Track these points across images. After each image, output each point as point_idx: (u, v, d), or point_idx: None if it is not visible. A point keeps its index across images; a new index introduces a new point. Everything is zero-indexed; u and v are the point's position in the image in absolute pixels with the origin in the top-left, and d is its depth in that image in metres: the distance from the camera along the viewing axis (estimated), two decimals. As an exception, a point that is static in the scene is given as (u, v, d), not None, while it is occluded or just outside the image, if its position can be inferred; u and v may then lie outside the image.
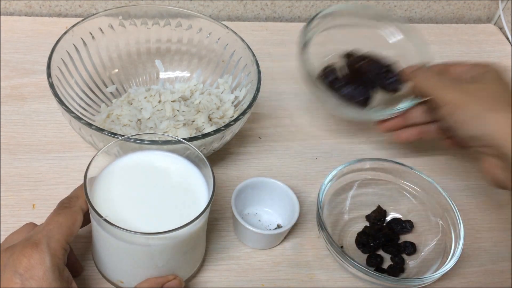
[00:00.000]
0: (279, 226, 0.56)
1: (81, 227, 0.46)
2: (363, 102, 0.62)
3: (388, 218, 0.59)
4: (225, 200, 0.59)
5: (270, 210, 0.58)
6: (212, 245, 0.55)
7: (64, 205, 0.45)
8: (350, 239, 0.58)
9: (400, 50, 0.66)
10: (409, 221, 0.59)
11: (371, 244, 0.56)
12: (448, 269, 0.52)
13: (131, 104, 0.63)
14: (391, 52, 0.66)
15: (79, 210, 0.45)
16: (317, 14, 0.63)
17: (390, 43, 0.67)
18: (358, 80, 0.63)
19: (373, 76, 0.63)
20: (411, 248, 0.57)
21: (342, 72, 0.64)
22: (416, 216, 0.59)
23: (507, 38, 0.89)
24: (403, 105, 0.60)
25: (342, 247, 0.57)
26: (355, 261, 0.51)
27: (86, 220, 0.46)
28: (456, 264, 0.52)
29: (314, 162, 0.65)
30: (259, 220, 0.57)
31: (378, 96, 0.64)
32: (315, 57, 0.63)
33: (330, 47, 0.66)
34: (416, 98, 0.59)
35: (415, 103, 0.59)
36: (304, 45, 0.63)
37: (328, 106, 0.66)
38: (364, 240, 0.57)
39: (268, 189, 0.57)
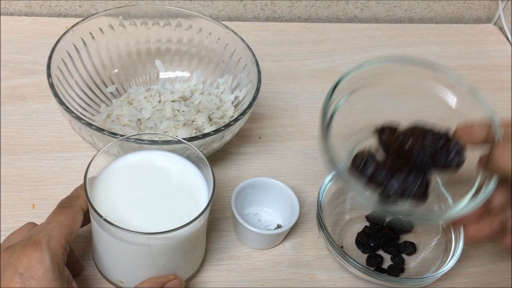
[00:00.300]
0: (279, 226, 0.56)
1: (81, 226, 0.46)
2: (422, 193, 0.46)
3: (388, 218, 0.59)
4: (225, 200, 0.59)
5: (270, 210, 0.58)
6: (212, 245, 0.55)
7: (65, 204, 0.45)
8: (350, 239, 0.58)
9: (449, 112, 0.49)
10: (409, 221, 0.59)
11: (371, 244, 0.56)
12: (448, 269, 0.52)
13: (131, 104, 0.63)
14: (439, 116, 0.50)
15: (79, 209, 0.45)
16: (339, 80, 0.47)
17: (439, 104, 0.50)
18: (407, 163, 0.46)
19: (428, 155, 0.46)
20: (411, 248, 0.57)
21: (380, 157, 0.47)
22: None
23: (507, 38, 0.89)
24: (484, 193, 0.43)
25: (342, 247, 0.57)
26: (355, 261, 0.51)
27: (86, 220, 0.46)
28: (456, 264, 0.52)
29: (314, 162, 0.65)
30: (259, 220, 0.57)
31: (435, 180, 0.49)
32: (339, 138, 0.47)
33: (356, 120, 0.50)
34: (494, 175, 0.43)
35: (496, 182, 0.43)
36: (327, 127, 0.46)
37: (375, 208, 0.47)
38: (364, 240, 0.57)
39: (268, 189, 0.57)
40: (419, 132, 0.46)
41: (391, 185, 0.45)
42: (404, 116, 0.49)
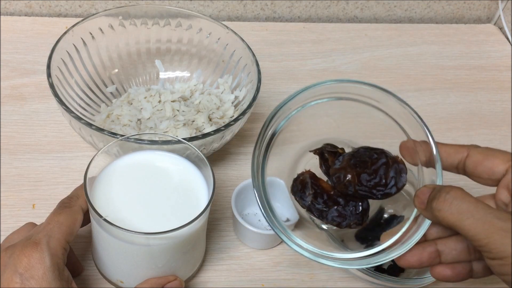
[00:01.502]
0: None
1: (81, 226, 0.46)
2: (360, 221, 0.48)
3: (386, 215, 0.59)
4: (225, 200, 0.59)
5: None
6: (212, 245, 0.55)
7: (64, 204, 0.45)
8: (350, 239, 0.58)
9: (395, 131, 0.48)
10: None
11: (369, 238, 0.56)
12: (448, 269, 0.52)
13: (131, 104, 0.63)
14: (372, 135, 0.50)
15: (79, 209, 0.45)
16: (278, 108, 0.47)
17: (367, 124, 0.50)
18: (345, 195, 0.48)
19: (366, 189, 0.46)
20: (411, 248, 0.57)
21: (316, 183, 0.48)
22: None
23: (507, 38, 0.89)
24: (416, 235, 0.43)
25: (343, 240, 0.56)
26: (355, 261, 0.51)
27: (86, 220, 0.46)
28: (456, 264, 0.52)
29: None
30: (259, 220, 0.57)
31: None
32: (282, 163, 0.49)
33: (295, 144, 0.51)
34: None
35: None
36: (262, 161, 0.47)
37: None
38: (362, 235, 0.56)
39: (269, 188, 0.56)
40: (357, 165, 0.46)
41: (329, 215, 0.47)
42: (350, 134, 0.50)
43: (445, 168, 0.44)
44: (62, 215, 0.44)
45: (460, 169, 0.44)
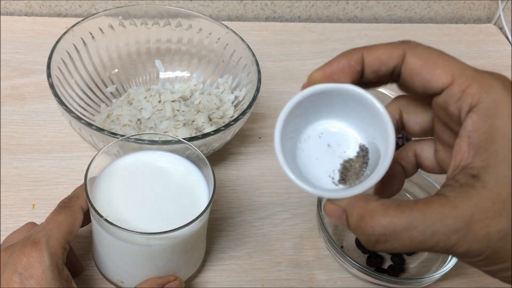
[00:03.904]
0: (362, 150, 0.34)
1: (81, 226, 0.46)
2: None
3: None
4: (225, 200, 0.59)
5: (352, 129, 0.35)
6: (212, 245, 0.55)
7: (65, 204, 0.45)
8: (350, 239, 0.58)
9: None
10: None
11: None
12: (448, 269, 0.52)
13: (131, 104, 0.63)
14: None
15: (79, 209, 0.45)
16: None
17: None
18: None
19: None
20: (411, 248, 0.57)
21: None
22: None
23: (507, 38, 0.89)
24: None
25: (342, 247, 0.57)
26: (355, 261, 0.51)
27: (87, 220, 0.46)
28: (456, 264, 0.52)
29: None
30: (328, 145, 0.35)
31: None
32: None
33: None
34: None
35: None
36: None
37: None
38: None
39: (346, 101, 0.34)
40: None
41: None
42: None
43: (379, 80, 0.33)
44: (62, 214, 0.44)
45: (397, 78, 0.33)
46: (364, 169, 0.33)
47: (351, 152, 0.34)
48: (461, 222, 0.28)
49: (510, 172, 0.28)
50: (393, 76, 0.33)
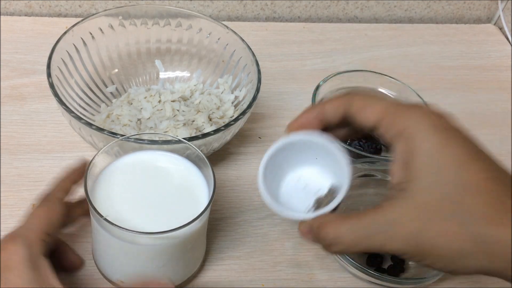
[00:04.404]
0: (331, 191, 0.43)
1: (65, 224, 0.46)
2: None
3: None
4: (225, 200, 0.59)
5: (324, 174, 0.44)
6: (212, 245, 0.55)
7: (43, 197, 0.46)
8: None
9: None
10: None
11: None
12: (448, 269, 0.52)
13: (131, 104, 0.63)
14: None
15: (56, 200, 0.45)
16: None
17: None
18: (368, 135, 0.53)
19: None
20: (411, 248, 0.57)
21: None
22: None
23: (507, 38, 0.89)
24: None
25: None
26: (355, 261, 0.51)
27: (69, 218, 0.47)
28: (456, 264, 0.52)
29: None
30: (305, 187, 0.44)
31: None
32: None
33: None
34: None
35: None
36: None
37: None
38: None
39: (302, 151, 0.43)
40: None
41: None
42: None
43: (340, 125, 0.42)
44: (40, 207, 0.45)
45: (347, 120, 0.41)
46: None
47: (323, 191, 0.43)
48: (387, 225, 0.35)
49: (429, 183, 0.35)
50: (345, 122, 0.41)
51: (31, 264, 0.41)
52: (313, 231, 0.39)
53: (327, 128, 0.42)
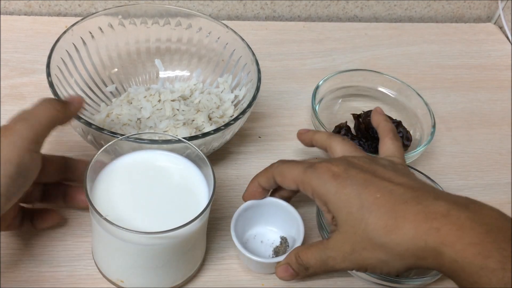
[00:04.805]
0: (283, 239, 0.54)
1: (10, 228, 0.48)
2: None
3: None
4: (225, 199, 0.59)
5: (272, 227, 0.55)
6: (212, 244, 0.55)
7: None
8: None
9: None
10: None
11: None
12: (448, 268, 0.52)
13: (131, 103, 0.63)
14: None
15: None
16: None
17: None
18: (368, 135, 0.65)
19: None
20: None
21: (355, 129, 0.67)
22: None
23: (507, 38, 0.89)
24: None
25: None
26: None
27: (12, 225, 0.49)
28: (456, 263, 0.52)
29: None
30: (261, 242, 0.55)
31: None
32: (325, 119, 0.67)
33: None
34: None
35: None
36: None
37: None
38: None
39: (266, 209, 0.54)
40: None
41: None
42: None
43: (272, 188, 0.54)
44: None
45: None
46: (288, 249, 0.53)
47: (276, 242, 0.54)
48: (332, 251, 0.46)
49: (344, 215, 0.45)
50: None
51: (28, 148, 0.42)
52: (291, 263, 0.49)
53: (276, 189, 0.54)
